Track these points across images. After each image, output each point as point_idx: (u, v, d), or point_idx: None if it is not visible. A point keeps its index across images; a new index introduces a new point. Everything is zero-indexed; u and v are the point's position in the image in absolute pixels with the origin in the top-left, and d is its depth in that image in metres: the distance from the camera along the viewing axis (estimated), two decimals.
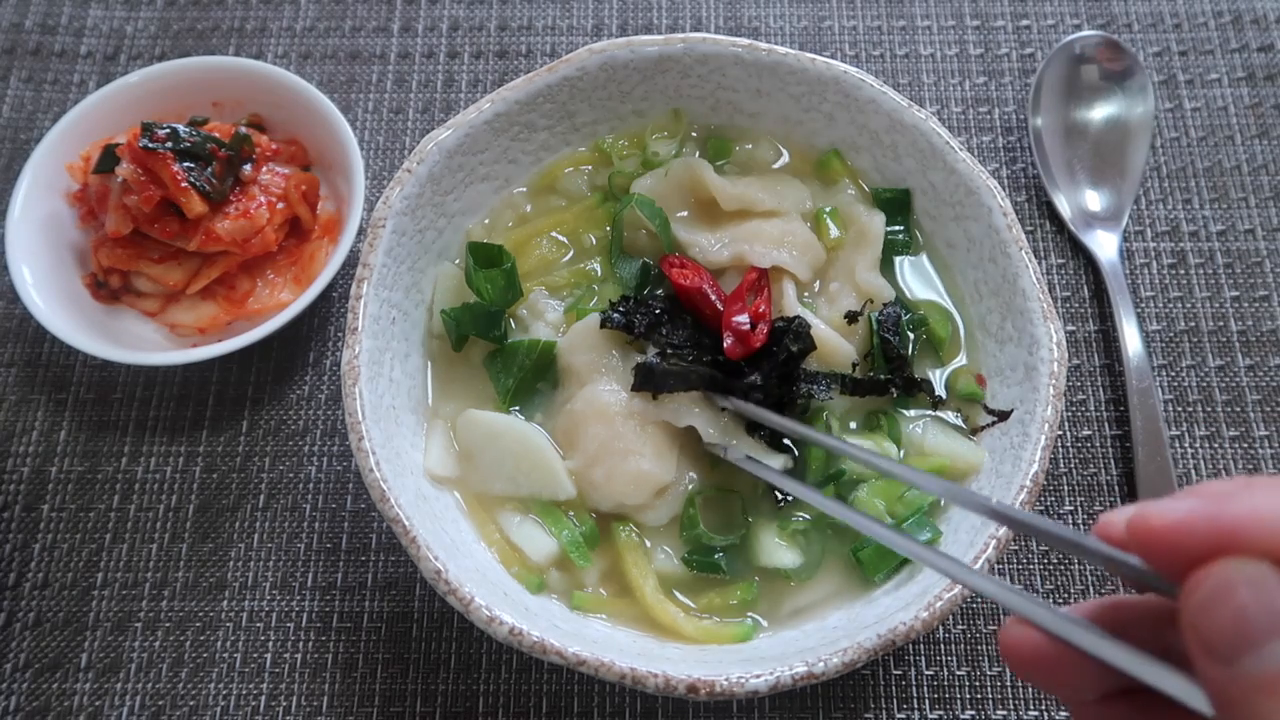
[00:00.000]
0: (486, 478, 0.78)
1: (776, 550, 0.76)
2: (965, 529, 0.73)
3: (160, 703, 0.81)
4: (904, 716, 0.81)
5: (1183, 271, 0.98)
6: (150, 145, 0.87)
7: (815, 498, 0.68)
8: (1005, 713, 0.81)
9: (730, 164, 0.90)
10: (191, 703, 0.81)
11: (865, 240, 0.85)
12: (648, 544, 0.77)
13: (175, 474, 0.90)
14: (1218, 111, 1.06)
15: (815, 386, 0.77)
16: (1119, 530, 0.41)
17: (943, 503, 0.77)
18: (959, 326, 0.84)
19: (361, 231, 0.93)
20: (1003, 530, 0.69)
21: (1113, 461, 0.90)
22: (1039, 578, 0.86)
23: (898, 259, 0.87)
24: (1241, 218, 1.01)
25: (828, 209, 0.87)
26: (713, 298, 0.79)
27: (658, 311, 0.79)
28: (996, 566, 0.86)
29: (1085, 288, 0.98)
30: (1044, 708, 0.81)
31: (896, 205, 0.87)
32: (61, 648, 0.83)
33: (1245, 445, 0.91)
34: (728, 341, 0.76)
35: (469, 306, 0.82)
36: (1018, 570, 0.86)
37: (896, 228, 0.87)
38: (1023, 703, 0.81)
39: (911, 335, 0.83)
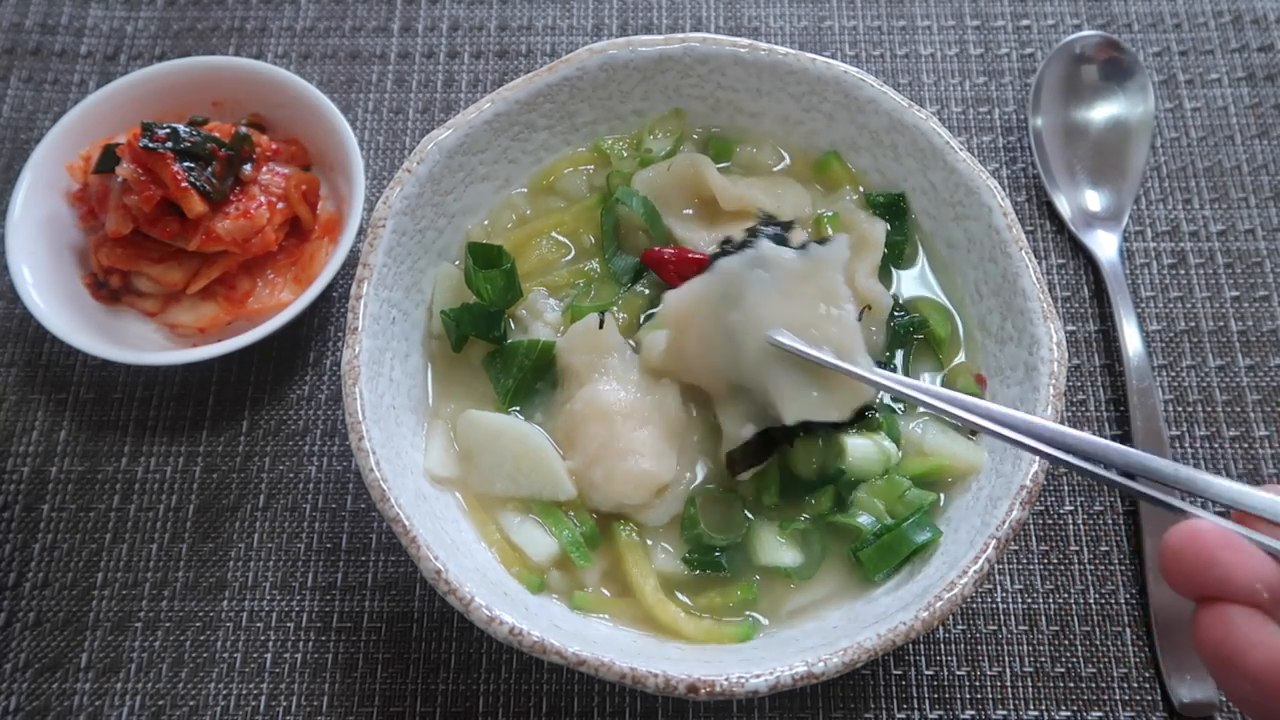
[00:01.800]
0: (487, 478, 0.78)
1: (777, 549, 0.76)
2: (965, 529, 0.73)
3: (160, 703, 0.81)
4: (904, 716, 0.81)
5: (1183, 271, 0.98)
6: (150, 145, 0.87)
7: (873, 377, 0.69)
8: (1005, 713, 0.81)
9: (732, 166, 0.90)
10: (191, 703, 0.81)
11: (865, 246, 0.85)
12: (649, 543, 0.77)
13: (175, 474, 0.90)
14: (1218, 111, 1.06)
15: None
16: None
17: (942, 501, 0.77)
18: (958, 326, 0.84)
19: (361, 231, 0.93)
20: (1004, 530, 0.69)
21: None
22: (1039, 577, 0.86)
23: (893, 268, 0.87)
24: (1241, 218, 1.01)
25: (828, 213, 0.87)
26: None
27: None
28: (996, 567, 0.86)
29: (1085, 288, 0.98)
30: (1044, 708, 0.81)
31: (891, 211, 0.87)
32: (61, 648, 0.83)
33: (1245, 445, 0.91)
34: None
35: (468, 307, 0.82)
36: (1017, 570, 0.86)
37: (896, 237, 0.87)
38: (1023, 703, 0.81)
39: (904, 338, 0.83)
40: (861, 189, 0.89)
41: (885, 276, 0.86)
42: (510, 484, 0.78)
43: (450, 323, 0.81)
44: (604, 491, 0.76)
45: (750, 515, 0.78)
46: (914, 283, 0.87)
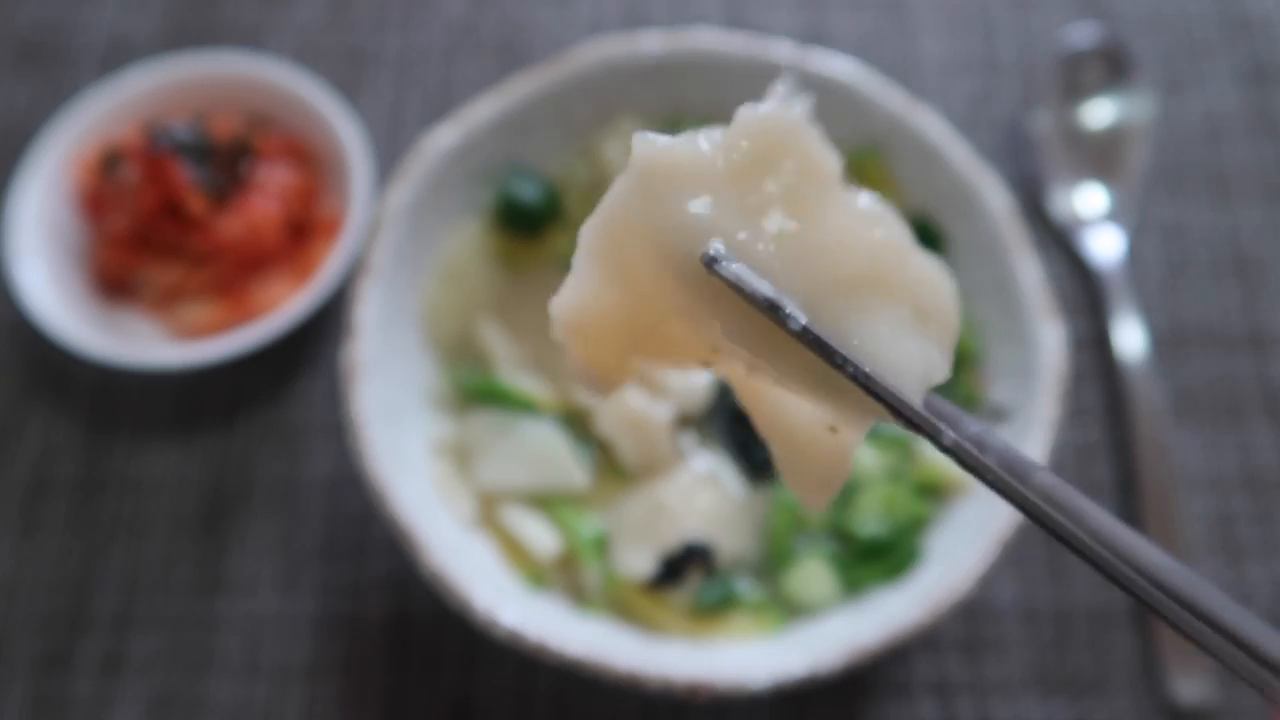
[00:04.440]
0: (491, 475, 0.78)
1: (818, 586, 0.75)
2: (967, 529, 0.73)
3: (160, 703, 0.81)
4: (905, 716, 0.81)
5: (1183, 271, 0.98)
6: (151, 145, 0.87)
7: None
8: (1007, 714, 0.81)
9: None
10: (191, 703, 0.81)
11: None
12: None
13: (175, 474, 0.90)
14: (1218, 111, 1.06)
15: None
16: None
17: (942, 503, 0.77)
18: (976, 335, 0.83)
19: (362, 231, 0.93)
20: (1005, 530, 0.69)
21: (1113, 462, 0.90)
22: (1040, 578, 0.86)
23: None
24: (1242, 218, 1.01)
25: None
26: None
27: None
28: (998, 567, 0.86)
29: (1084, 288, 0.98)
30: (1045, 709, 0.81)
31: (922, 238, 0.86)
32: (61, 648, 0.83)
33: (1245, 446, 0.91)
34: None
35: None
36: (1019, 571, 0.86)
37: None
38: (1024, 703, 0.81)
39: None
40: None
41: None
42: (515, 480, 0.78)
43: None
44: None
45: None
46: None
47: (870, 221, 0.35)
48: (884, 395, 0.33)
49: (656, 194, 0.34)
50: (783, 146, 0.35)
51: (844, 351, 0.33)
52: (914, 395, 0.34)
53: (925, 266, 0.36)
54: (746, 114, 0.35)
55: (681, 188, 0.34)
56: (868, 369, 0.33)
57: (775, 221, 0.34)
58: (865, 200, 0.35)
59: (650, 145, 0.34)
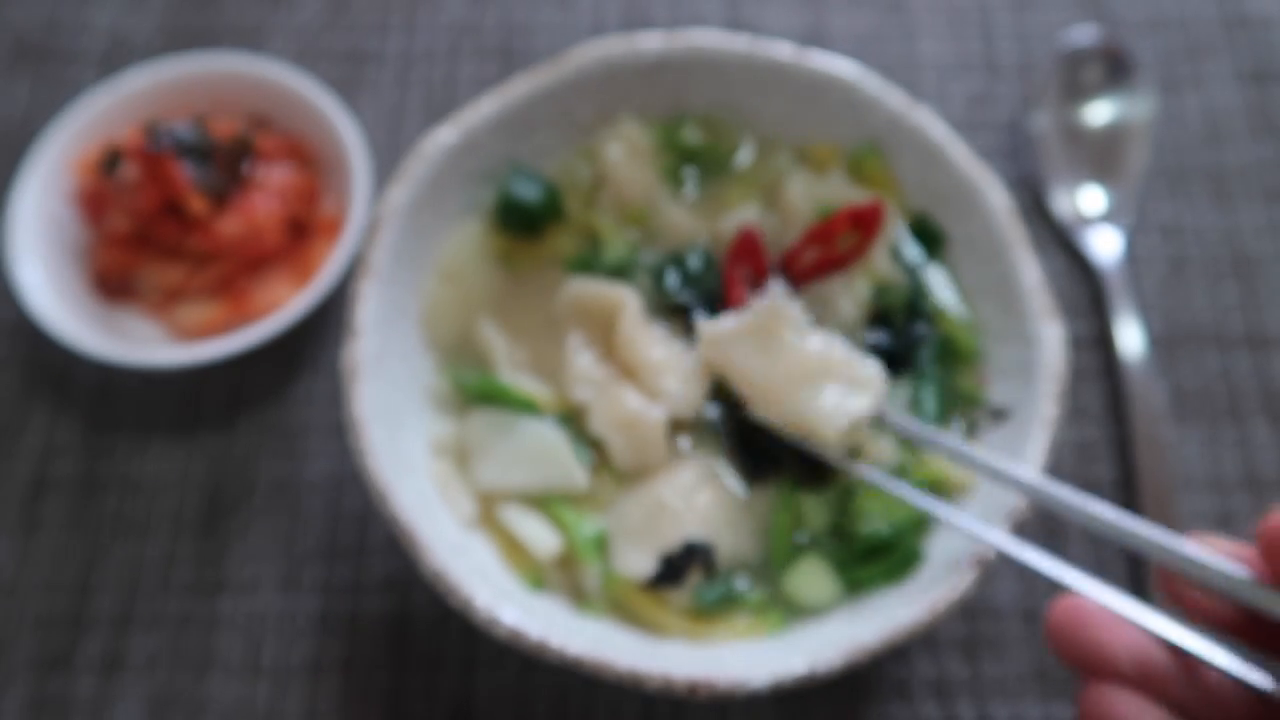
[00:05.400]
0: (491, 475, 0.78)
1: (820, 586, 0.75)
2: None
3: (160, 703, 0.81)
4: (906, 716, 0.81)
5: (1183, 271, 0.98)
6: (151, 145, 0.87)
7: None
8: (1007, 713, 0.81)
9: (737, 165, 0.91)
10: (191, 703, 0.81)
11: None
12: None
13: (175, 474, 0.90)
14: (1218, 111, 1.06)
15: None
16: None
17: (942, 504, 0.77)
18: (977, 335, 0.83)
19: (362, 231, 0.93)
20: (1005, 529, 0.69)
21: (1113, 461, 0.90)
22: (1040, 577, 0.86)
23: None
24: (1242, 218, 1.01)
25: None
26: None
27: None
28: (998, 567, 0.86)
29: (1084, 288, 0.98)
30: (1045, 708, 0.81)
31: (923, 237, 0.86)
32: (61, 647, 0.83)
33: (1245, 445, 0.91)
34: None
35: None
36: (1019, 570, 0.86)
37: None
38: (1024, 703, 0.81)
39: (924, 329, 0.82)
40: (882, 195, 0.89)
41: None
42: (516, 480, 0.78)
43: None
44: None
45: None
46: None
47: (820, 345, 0.72)
48: (804, 451, 0.73)
49: (714, 346, 0.75)
50: (775, 318, 0.72)
51: (775, 431, 0.74)
52: (841, 429, 0.70)
53: (857, 360, 0.72)
54: (756, 304, 0.72)
55: (725, 342, 0.74)
56: (798, 437, 0.73)
57: (768, 351, 0.71)
58: (820, 335, 0.72)
59: (708, 324, 0.75)
